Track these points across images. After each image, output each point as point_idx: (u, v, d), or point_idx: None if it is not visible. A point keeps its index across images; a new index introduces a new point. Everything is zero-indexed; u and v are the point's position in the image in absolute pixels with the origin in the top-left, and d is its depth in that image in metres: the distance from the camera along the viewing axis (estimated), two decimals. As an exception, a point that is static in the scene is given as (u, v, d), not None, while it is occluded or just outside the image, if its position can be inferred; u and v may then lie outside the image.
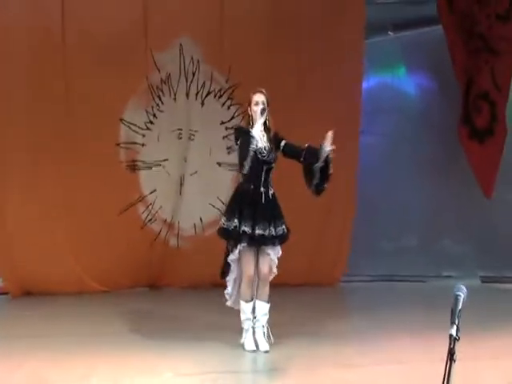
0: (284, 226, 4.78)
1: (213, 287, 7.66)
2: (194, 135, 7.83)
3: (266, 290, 4.79)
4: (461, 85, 8.33)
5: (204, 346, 4.92)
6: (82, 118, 7.29)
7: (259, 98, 4.81)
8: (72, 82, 7.29)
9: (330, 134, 4.76)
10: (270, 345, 4.69)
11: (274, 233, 4.71)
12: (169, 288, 7.70)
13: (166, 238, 7.73)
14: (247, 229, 4.66)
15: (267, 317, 4.78)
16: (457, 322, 2.25)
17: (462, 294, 2.32)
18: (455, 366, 2.12)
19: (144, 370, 4.27)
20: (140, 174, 7.67)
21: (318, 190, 4.85)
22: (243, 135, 4.77)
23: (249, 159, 4.66)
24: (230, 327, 5.58)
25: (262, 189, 4.74)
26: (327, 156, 4.75)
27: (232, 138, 8.04)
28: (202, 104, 7.94)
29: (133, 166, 7.62)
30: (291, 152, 4.87)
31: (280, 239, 4.78)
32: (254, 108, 4.80)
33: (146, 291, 7.66)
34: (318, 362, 4.52)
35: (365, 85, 8.36)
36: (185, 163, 7.80)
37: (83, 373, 4.18)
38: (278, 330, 4.90)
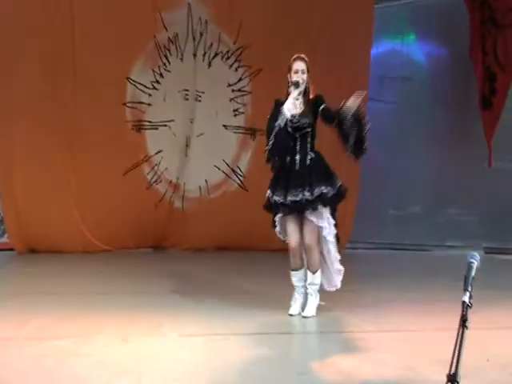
0: (325, 187, 4.52)
1: (216, 250, 7.71)
2: (200, 96, 7.77)
3: (311, 260, 4.66)
4: (477, 53, 8.22)
5: (208, 307, 4.95)
6: (88, 77, 7.23)
7: (299, 65, 4.59)
8: (80, 40, 7.21)
9: (355, 94, 4.49)
10: (315, 311, 4.66)
11: (309, 196, 4.49)
12: (172, 249, 7.73)
13: (171, 200, 7.73)
14: (278, 198, 4.54)
15: (316, 287, 4.72)
16: (470, 289, 2.25)
17: (476, 262, 2.32)
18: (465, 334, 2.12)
19: (150, 330, 4.30)
20: (146, 134, 7.64)
21: (356, 153, 4.58)
22: (276, 107, 4.56)
23: (272, 136, 4.45)
24: (233, 289, 5.63)
25: (297, 156, 4.58)
26: (357, 114, 4.46)
27: (239, 100, 8.07)
28: (209, 65, 7.85)
29: (139, 126, 7.59)
30: (326, 117, 4.58)
31: (321, 201, 4.51)
32: (294, 76, 4.59)
33: (150, 252, 7.68)
34: (322, 328, 4.54)
35: (374, 51, 8.25)
36: (191, 124, 7.76)
37: (89, 330, 4.22)
38: (281, 296, 4.93)
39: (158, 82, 7.68)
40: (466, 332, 2.12)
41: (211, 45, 7.84)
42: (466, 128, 8.40)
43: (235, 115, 7.85)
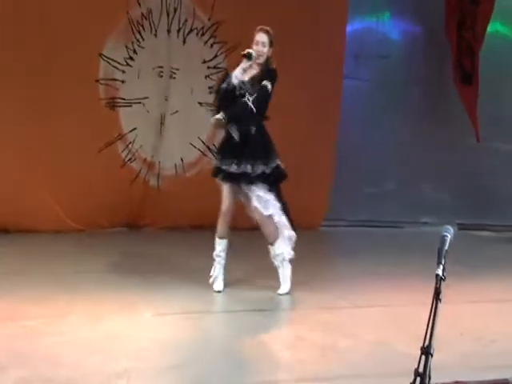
0: (266, 166, 4.65)
1: (192, 229, 7.66)
2: (175, 73, 7.65)
3: (265, 232, 4.75)
4: (450, 28, 8.27)
5: (182, 286, 4.93)
6: (59, 52, 7.05)
7: (260, 37, 4.66)
8: (48, 14, 7.02)
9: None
10: (288, 288, 4.68)
11: (250, 171, 4.62)
12: (148, 228, 7.66)
13: (146, 178, 7.64)
14: (224, 166, 4.68)
15: (280, 257, 4.75)
16: (443, 263, 2.25)
17: (449, 235, 2.32)
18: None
19: (123, 309, 4.26)
20: (120, 111, 7.50)
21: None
22: (223, 83, 4.70)
23: (218, 97, 4.65)
24: (208, 268, 5.60)
25: (244, 127, 4.67)
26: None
27: (214, 77, 7.98)
28: (184, 41, 7.73)
29: (112, 104, 7.45)
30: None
31: (261, 179, 4.65)
32: (254, 47, 4.65)
33: (125, 231, 7.61)
34: (298, 305, 4.56)
35: (349, 29, 8.22)
36: (165, 102, 7.64)
37: (60, 310, 4.17)
38: (258, 273, 4.92)
39: (131, 58, 7.53)
40: (440, 305, 2.13)
41: (185, 20, 7.71)
42: (440, 105, 8.44)
43: (211, 92, 7.73)
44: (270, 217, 4.75)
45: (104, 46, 7.35)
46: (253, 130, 4.70)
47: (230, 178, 4.68)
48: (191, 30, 7.74)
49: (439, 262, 2.26)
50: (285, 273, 4.71)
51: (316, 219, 8.04)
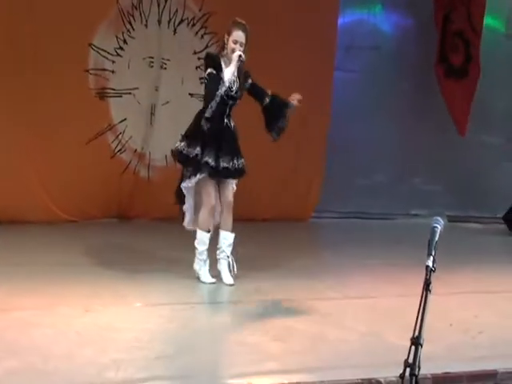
0: (243, 160, 4.79)
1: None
2: (165, 64, 7.61)
3: (230, 220, 4.75)
4: (437, 22, 8.29)
5: (173, 277, 4.92)
6: (48, 42, 6.99)
7: (241, 37, 4.67)
8: (40, 5, 6.96)
9: (298, 97, 4.80)
10: (234, 278, 4.68)
11: (237, 166, 4.71)
12: (138, 219, 7.65)
13: (137, 169, 7.61)
14: (210, 160, 4.64)
15: (231, 248, 4.74)
16: (433, 254, 2.26)
17: (439, 226, 2.33)
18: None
19: (113, 300, 4.26)
20: (110, 101, 7.46)
21: (278, 133, 4.91)
22: (213, 66, 4.66)
23: (214, 103, 4.61)
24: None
25: (225, 121, 4.72)
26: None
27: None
28: (175, 32, 7.69)
29: (102, 94, 7.40)
30: (255, 92, 4.85)
31: (240, 173, 4.78)
32: (232, 45, 4.66)
33: (115, 222, 7.58)
34: (287, 295, 4.56)
35: (340, 21, 8.21)
36: (156, 92, 7.60)
37: (50, 301, 4.15)
38: (247, 264, 4.92)
39: (121, 48, 7.48)
40: (429, 296, 2.14)
41: (176, 11, 7.67)
42: (431, 98, 8.46)
43: (201, 83, 7.69)
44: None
45: (94, 36, 7.30)
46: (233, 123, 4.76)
47: (218, 172, 4.68)
48: (182, 21, 7.70)
49: (429, 254, 2.27)
50: (232, 263, 4.73)
51: (307, 211, 8.06)
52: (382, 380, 3.16)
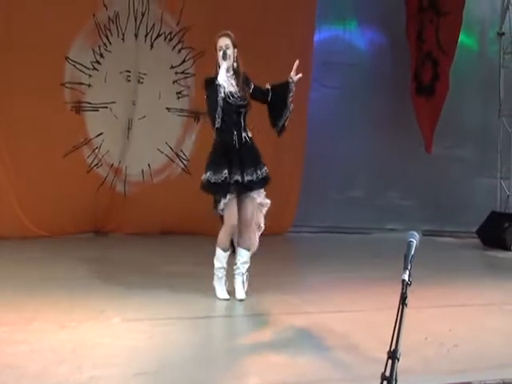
0: (266, 168, 4.73)
1: (160, 234, 7.63)
2: (142, 78, 7.62)
3: (248, 237, 4.73)
4: (410, 38, 8.44)
5: (152, 292, 4.89)
6: (24, 55, 6.96)
7: (222, 42, 4.67)
8: (15, 17, 6.93)
9: (297, 62, 4.79)
10: (246, 294, 4.70)
11: (260, 175, 4.66)
12: (115, 234, 7.60)
13: (113, 184, 7.58)
14: (238, 177, 4.59)
15: (248, 265, 4.75)
16: (409, 268, 2.29)
17: (415, 240, 2.36)
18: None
19: (90, 315, 4.21)
20: (86, 115, 7.44)
21: (282, 130, 4.87)
22: (210, 85, 4.62)
23: (219, 110, 4.53)
24: (176, 273, 5.59)
25: (242, 133, 4.66)
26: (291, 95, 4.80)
27: (182, 83, 7.97)
28: (152, 46, 7.72)
29: (78, 108, 7.38)
30: (259, 94, 4.81)
31: (265, 181, 4.71)
32: (218, 54, 4.66)
33: (91, 237, 7.53)
34: (266, 309, 4.57)
35: (316, 37, 8.29)
36: (133, 107, 7.61)
37: (24, 317, 4.08)
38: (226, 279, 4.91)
39: (98, 62, 7.48)
40: (405, 310, 2.16)
41: (153, 25, 7.69)
42: (405, 114, 8.57)
43: (178, 98, 7.74)
44: (260, 226, 4.77)
45: (70, 49, 7.29)
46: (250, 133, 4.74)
47: (244, 187, 4.62)
48: (159, 35, 7.73)
49: (405, 268, 2.29)
50: (245, 281, 4.75)
51: (283, 225, 8.09)
52: (360, 394, 3.17)
